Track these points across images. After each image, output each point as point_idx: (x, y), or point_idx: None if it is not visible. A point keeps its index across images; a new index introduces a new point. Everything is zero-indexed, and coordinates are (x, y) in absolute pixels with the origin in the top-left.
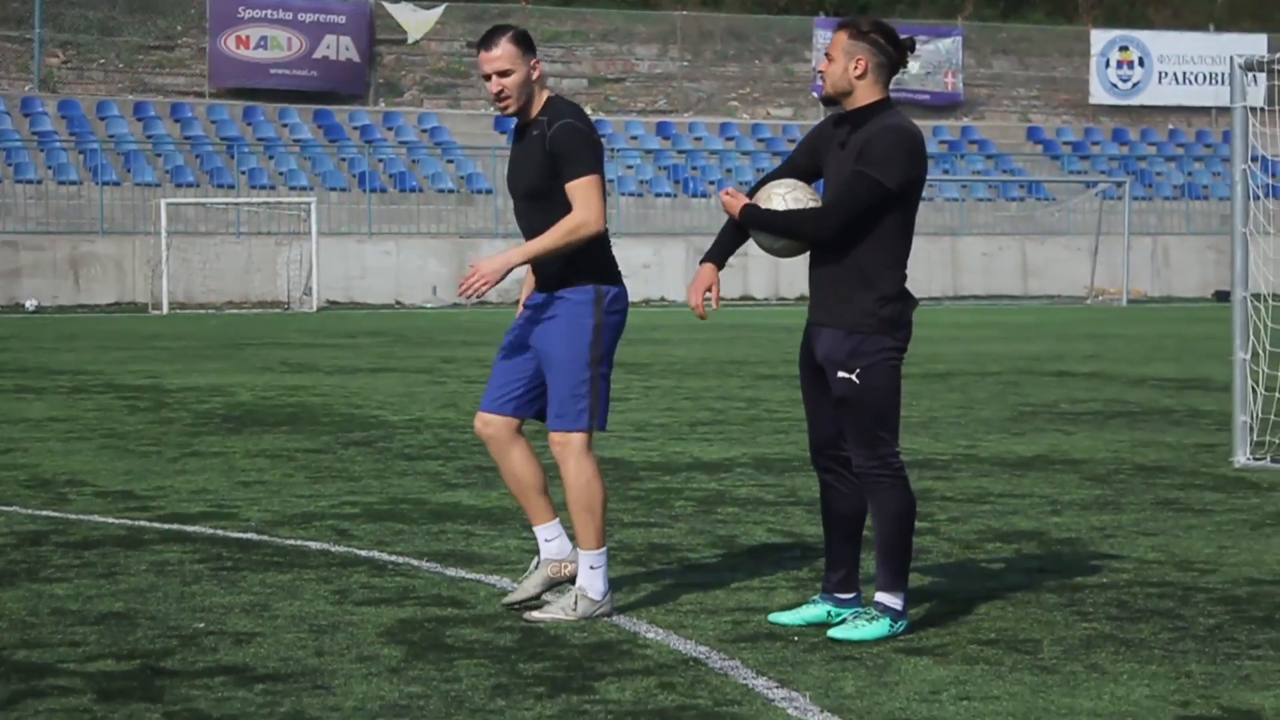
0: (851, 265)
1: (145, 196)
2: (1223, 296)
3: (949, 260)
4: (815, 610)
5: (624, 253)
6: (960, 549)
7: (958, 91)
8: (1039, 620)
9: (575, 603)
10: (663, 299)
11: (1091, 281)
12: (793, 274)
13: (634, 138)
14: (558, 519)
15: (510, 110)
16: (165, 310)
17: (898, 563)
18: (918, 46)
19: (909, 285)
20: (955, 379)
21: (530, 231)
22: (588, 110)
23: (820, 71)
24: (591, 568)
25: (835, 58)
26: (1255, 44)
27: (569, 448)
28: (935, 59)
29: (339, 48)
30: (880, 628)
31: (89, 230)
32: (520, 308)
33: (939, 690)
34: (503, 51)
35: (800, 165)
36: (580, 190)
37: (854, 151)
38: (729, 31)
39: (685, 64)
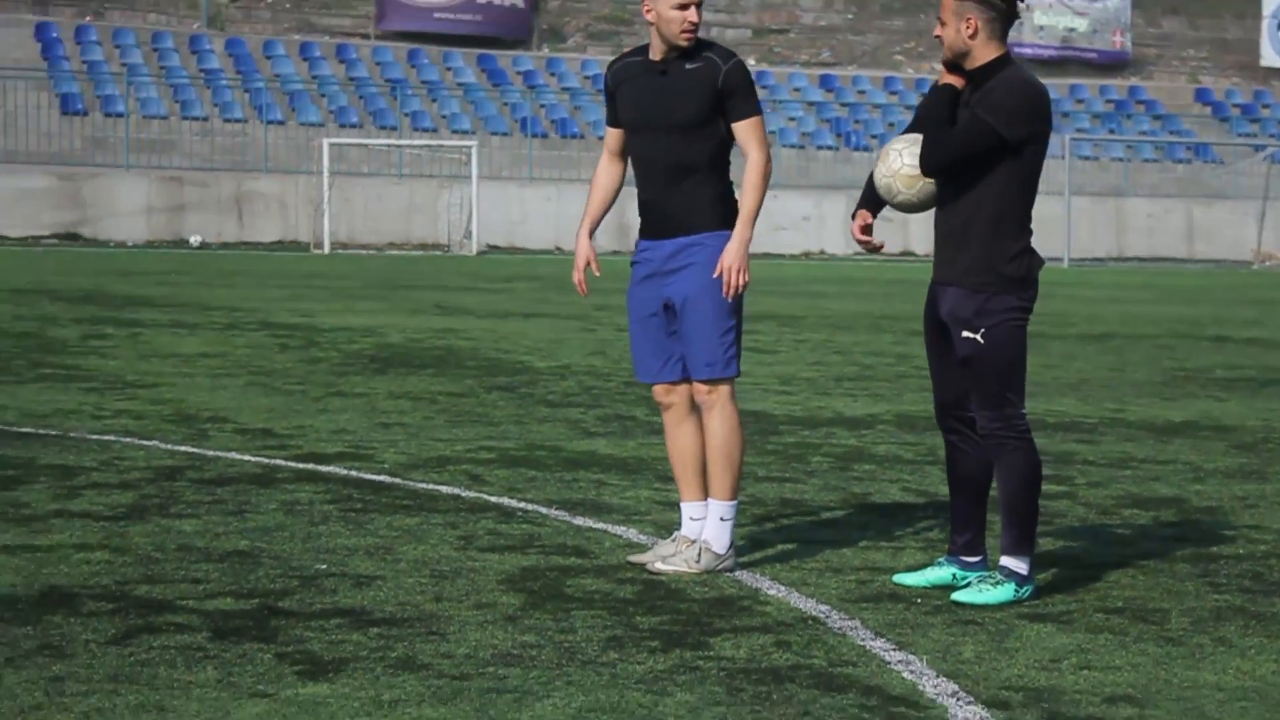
0: (975, 222)
1: (309, 136)
2: None
3: (1113, 221)
4: (940, 572)
5: (784, 204)
6: (1096, 514)
7: (1126, 50)
8: (1169, 590)
9: (699, 555)
10: (822, 251)
11: (1258, 245)
12: None
13: (797, 89)
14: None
15: (691, 43)
16: (327, 249)
17: (1024, 526)
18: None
19: (1034, 243)
20: (1110, 340)
21: (672, 165)
22: (751, 61)
23: (937, 36)
24: (721, 519)
25: (947, 21)
26: None
27: (718, 395)
28: (1103, 17)
29: None
30: (1005, 592)
31: (253, 168)
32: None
33: (1059, 658)
34: None
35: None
36: (754, 129)
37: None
38: None
39: (850, 16)
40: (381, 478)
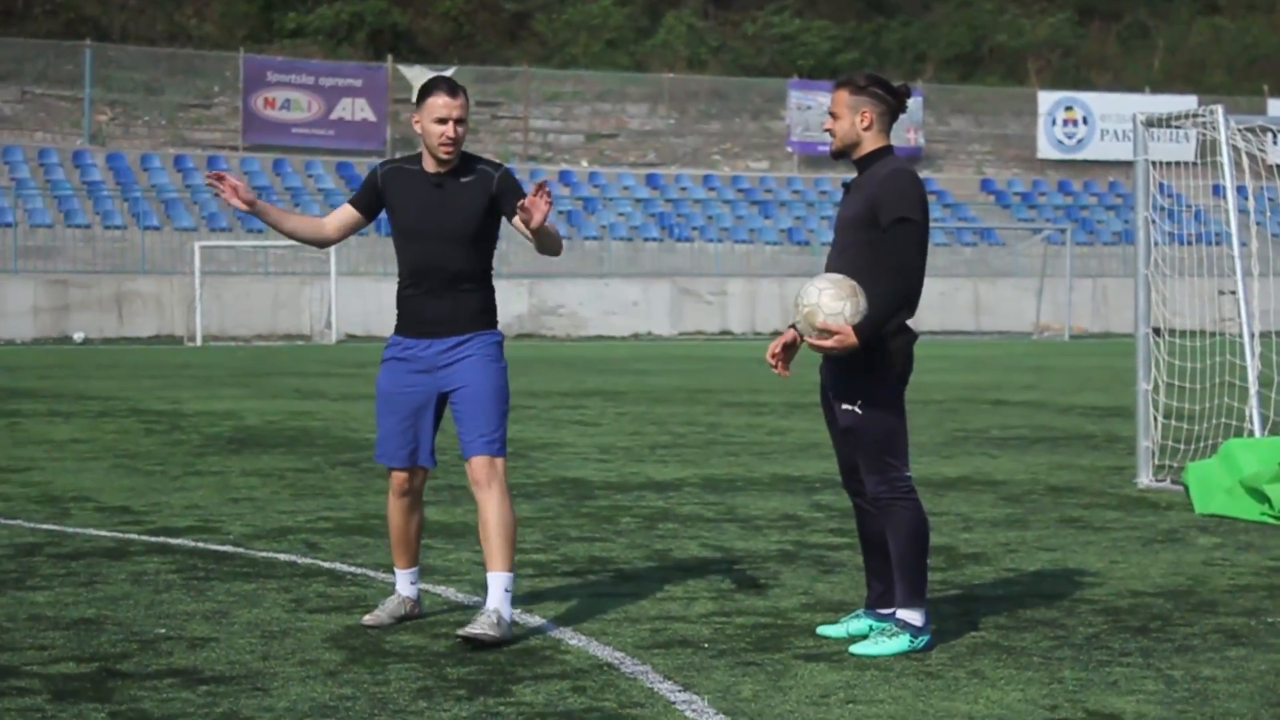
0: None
1: (183, 240)
2: (1156, 333)
3: None
4: (859, 624)
5: (615, 291)
6: None
7: (919, 146)
8: (932, 630)
9: (498, 622)
10: (650, 333)
11: (1037, 318)
12: (768, 310)
13: (625, 188)
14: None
15: (450, 156)
16: (199, 342)
17: (914, 580)
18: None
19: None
20: None
21: (447, 273)
22: (584, 164)
23: (827, 130)
24: (505, 590)
25: (841, 114)
26: (1186, 104)
27: (499, 470)
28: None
29: (354, 109)
30: (900, 643)
31: (132, 270)
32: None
33: (829, 694)
34: (463, 100)
35: None
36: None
37: (862, 194)
38: (712, 92)
39: (672, 121)
40: (225, 548)
